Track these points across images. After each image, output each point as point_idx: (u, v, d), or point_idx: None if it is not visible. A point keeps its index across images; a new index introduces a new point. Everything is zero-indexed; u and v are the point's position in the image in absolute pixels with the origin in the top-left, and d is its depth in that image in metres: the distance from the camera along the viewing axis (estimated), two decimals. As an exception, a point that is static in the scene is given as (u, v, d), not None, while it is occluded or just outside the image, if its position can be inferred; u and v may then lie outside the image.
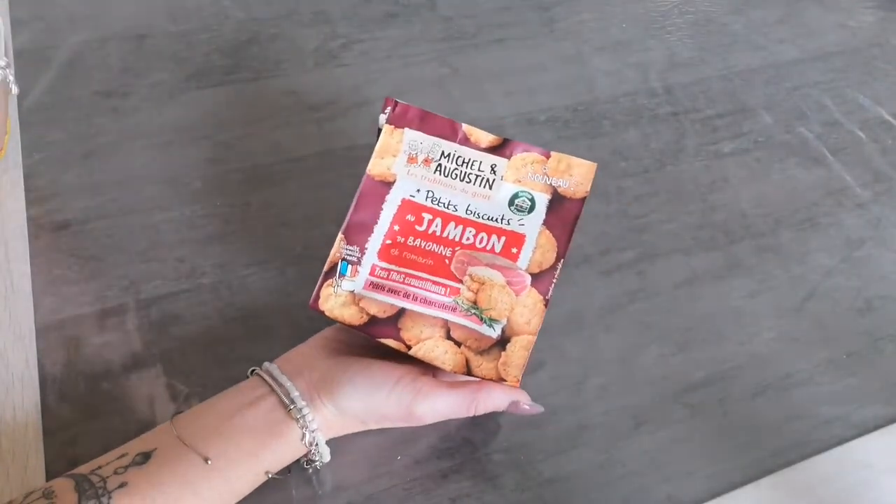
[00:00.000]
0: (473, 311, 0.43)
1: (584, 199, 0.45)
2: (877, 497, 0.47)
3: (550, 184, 0.45)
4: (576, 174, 0.46)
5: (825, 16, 0.80)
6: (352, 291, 0.43)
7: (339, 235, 0.44)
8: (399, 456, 0.46)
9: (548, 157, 0.46)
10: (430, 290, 0.43)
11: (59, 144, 0.59)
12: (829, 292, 0.57)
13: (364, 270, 0.44)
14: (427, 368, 0.45)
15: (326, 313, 0.43)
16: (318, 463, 0.43)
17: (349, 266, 0.43)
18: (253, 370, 0.44)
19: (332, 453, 0.43)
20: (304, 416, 0.40)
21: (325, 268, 0.43)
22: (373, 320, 0.43)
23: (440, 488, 0.45)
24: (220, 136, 0.61)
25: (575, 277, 0.55)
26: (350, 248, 0.44)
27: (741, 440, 0.49)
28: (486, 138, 0.46)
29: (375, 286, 0.43)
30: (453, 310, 0.43)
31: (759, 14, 0.79)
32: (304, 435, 0.41)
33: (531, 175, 0.45)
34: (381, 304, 0.43)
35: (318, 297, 0.43)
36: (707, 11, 0.78)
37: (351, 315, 0.43)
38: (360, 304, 0.43)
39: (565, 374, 0.51)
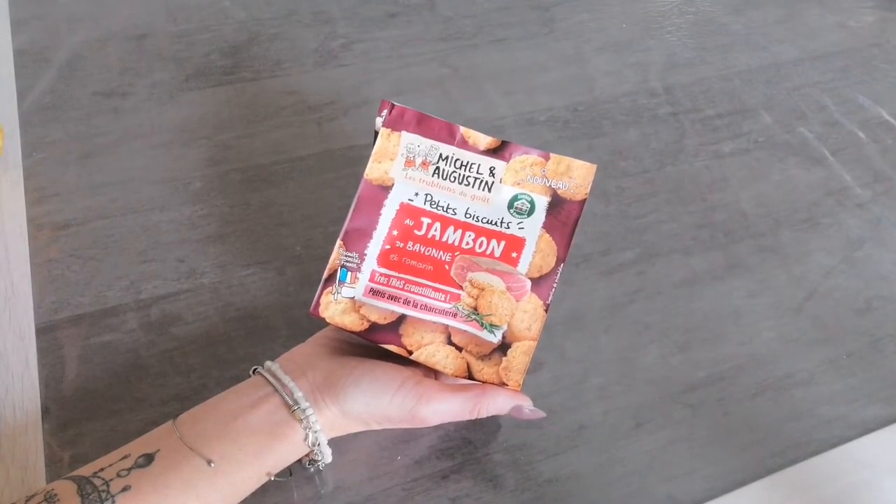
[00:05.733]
0: (474, 316, 0.43)
1: (583, 201, 0.45)
2: (877, 497, 0.47)
3: (550, 186, 0.45)
4: (575, 176, 0.45)
5: (825, 16, 0.80)
6: (352, 298, 0.43)
7: (338, 242, 0.44)
8: (399, 456, 0.46)
9: (547, 158, 0.46)
10: (430, 297, 0.43)
11: (59, 144, 0.59)
12: (829, 292, 0.57)
13: (364, 277, 0.44)
14: (430, 371, 0.45)
15: (327, 320, 0.43)
16: (320, 463, 0.43)
17: (349, 273, 0.43)
18: (255, 369, 0.44)
19: (332, 453, 0.43)
20: (307, 416, 0.40)
21: (325, 275, 0.43)
22: (374, 327, 0.43)
23: (440, 488, 0.45)
24: (220, 136, 0.61)
25: (575, 277, 0.55)
26: (349, 254, 0.44)
27: (741, 440, 0.49)
28: (485, 140, 0.46)
29: (375, 293, 0.43)
30: (454, 315, 0.43)
31: (759, 14, 0.79)
32: (307, 436, 0.41)
33: (530, 177, 0.45)
34: (382, 310, 0.43)
35: (318, 304, 0.43)
36: (707, 11, 0.78)
37: (352, 322, 0.43)
38: (361, 311, 0.43)
39: (565, 374, 0.51)
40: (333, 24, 0.71)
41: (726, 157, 0.65)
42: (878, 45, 0.77)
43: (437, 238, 0.44)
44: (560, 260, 0.44)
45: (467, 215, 0.45)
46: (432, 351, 0.43)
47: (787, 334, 0.54)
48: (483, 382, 0.44)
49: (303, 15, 0.72)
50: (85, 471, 0.38)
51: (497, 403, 0.44)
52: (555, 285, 0.44)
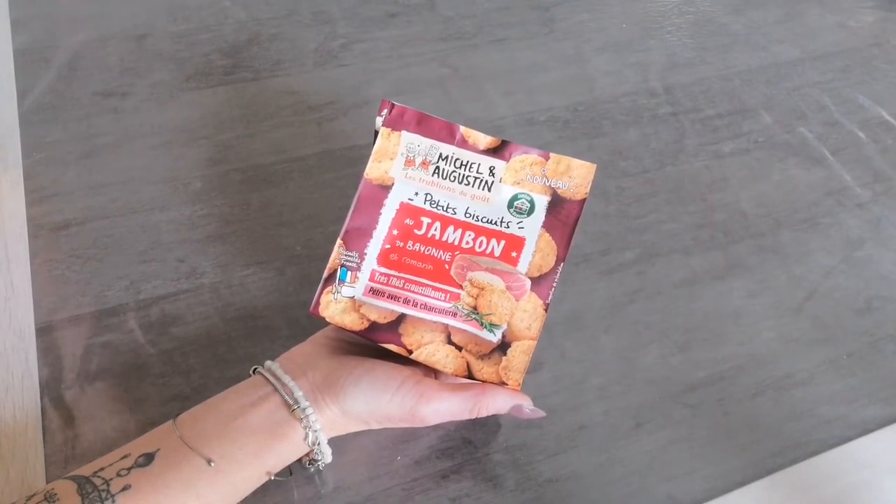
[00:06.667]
0: (474, 316, 0.43)
1: (583, 200, 0.45)
2: (877, 497, 0.47)
3: (550, 185, 0.45)
4: (575, 175, 0.45)
5: (825, 16, 0.80)
6: (352, 297, 0.43)
7: (338, 241, 0.44)
8: (399, 456, 0.46)
9: (547, 158, 0.46)
10: (430, 296, 0.43)
11: (59, 144, 0.59)
12: (829, 292, 0.57)
13: (364, 276, 0.44)
14: (430, 370, 0.45)
15: (327, 319, 0.43)
16: (320, 463, 0.43)
17: (349, 272, 0.43)
18: (255, 369, 0.44)
19: (332, 453, 0.43)
20: (307, 416, 0.40)
21: (325, 274, 0.43)
22: (374, 326, 0.43)
23: (440, 488, 0.45)
24: (220, 136, 0.61)
25: (575, 277, 0.55)
26: (349, 253, 0.44)
27: (741, 440, 0.49)
28: (485, 140, 0.46)
29: (375, 292, 0.43)
30: (454, 315, 0.43)
31: (759, 14, 0.79)
32: (307, 435, 0.41)
33: (530, 177, 0.45)
34: (382, 310, 0.43)
35: (318, 303, 0.43)
36: (707, 11, 0.78)
37: (352, 321, 0.43)
38: (361, 311, 0.43)
39: (565, 374, 0.51)
40: (333, 24, 0.71)
41: (726, 157, 0.65)
42: (878, 45, 0.77)
43: (437, 237, 0.44)
44: (560, 259, 0.44)
45: (467, 215, 0.45)
46: (432, 350, 0.43)
47: (787, 334, 0.54)
48: (483, 382, 0.44)
49: (303, 15, 0.72)
50: (85, 470, 0.38)
51: (497, 403, 0.44)
52: (554, 285, 0.44)
